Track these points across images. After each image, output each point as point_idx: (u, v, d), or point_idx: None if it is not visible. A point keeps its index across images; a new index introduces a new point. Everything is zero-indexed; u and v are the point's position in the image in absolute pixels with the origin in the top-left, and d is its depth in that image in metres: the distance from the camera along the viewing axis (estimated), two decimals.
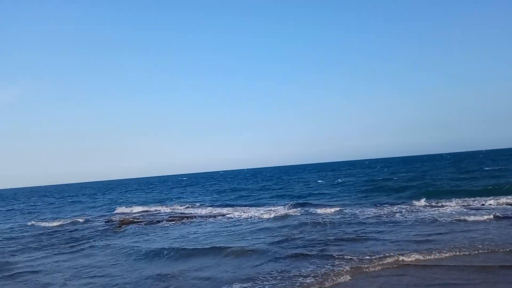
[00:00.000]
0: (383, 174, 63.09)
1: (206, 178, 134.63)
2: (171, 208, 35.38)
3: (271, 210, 26.77)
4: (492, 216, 17.25)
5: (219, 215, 26.12)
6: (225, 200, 39.68)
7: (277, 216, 23.11)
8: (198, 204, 37.12)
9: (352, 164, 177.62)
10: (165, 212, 31.81)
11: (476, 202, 23.15)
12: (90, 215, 33.91)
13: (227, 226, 21.18)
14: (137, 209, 35.91)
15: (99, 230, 23.58)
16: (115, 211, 36.11)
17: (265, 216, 23.57)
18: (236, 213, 26.42)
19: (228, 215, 25.62)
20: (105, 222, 27.38)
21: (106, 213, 35.35)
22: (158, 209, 35.14)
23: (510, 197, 24.04)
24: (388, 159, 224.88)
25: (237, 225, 21.28)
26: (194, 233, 19.73)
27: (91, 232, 22.95)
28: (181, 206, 36.43)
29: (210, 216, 26.06)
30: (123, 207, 38.03)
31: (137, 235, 20.58)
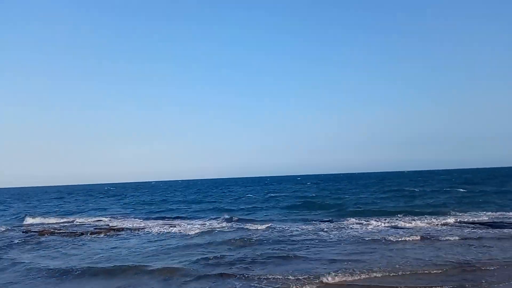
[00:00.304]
0: (313, 190, 64.84)
1: (135, 188, 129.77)
2: (96, 219, 33.34)
3: (200, 224, 26.23)
4: (418, 237, 17.95)
5: (147, 228, 25.00)
6: (154, 212, 38.25)
7: (205, 231, 22.60)
8: (125, 216, 35.35)
9: (284, 179, 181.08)
10: (89, 224, 29.87)
11: (401, 221, 24.31)
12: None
13: (154, 241, 20.24)
14: (53, 220, 33.41)
15: (13, 242, 21.37)
16: (26, 222, 33.12)
17: (194, 231, 22.91)
18: (164, 226, 25.52)
19: (155, 229, 24.58)
20: (22, 232, 25.09)
21: (18, 223, 32.36)
22: (81, 220, 32.91)
23: (435, 217, 25.69)
24: (319, 176, 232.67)
25: (163, 240, 20.42)
26: (117, 248, 18.58)
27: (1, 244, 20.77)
28: (107, 217, 34.45)
29: (137, 229, 24.86)
30: (39, 217, 35.11)
31: (53, 249, 18.93)
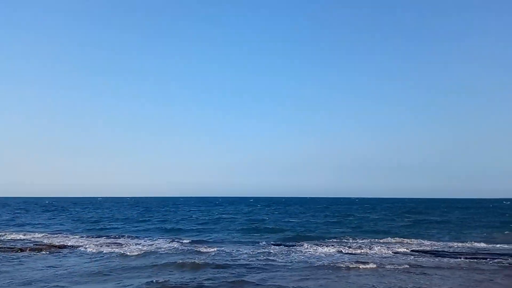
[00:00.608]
0: (263, 213, 64.86)
1: (79, 203, 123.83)
2: (33, 235, 31.17)
3: (146, 244, 25.26)
4: (366, 265, 18.05)
5: (89, 247, 23.65)
6: (98, 230, 36.40)
7: (151, 252, 21.78)
8: (65, 232, 33.37)
9: (236, 200, 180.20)
10: (28, 240, 27.89)
11: (349, 247, 24.65)
12: None
13: (95, 260, 19.16)
14: None
15: None
16: None
17: (139, 251, 21.97)
18: (109, 245, 24.34)
19: (98, 247, 23.33)
20: None
21: None
22: (18, 236, 30.62)
23: (380, 243, 26.31)
24: (271, 198, 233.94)
25: (105, 259, 19.37)
26: (54, 267, 17.39)
27: None
28: (45, 233, 32.32)
29: (78, 247, 23.51)
30: None
31: None
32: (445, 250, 23.96)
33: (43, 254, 21.31)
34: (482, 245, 26.79)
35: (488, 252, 23.15)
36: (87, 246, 24.22)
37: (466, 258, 20.60)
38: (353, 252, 22.75)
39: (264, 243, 26.98)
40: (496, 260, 19.70)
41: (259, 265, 17.93)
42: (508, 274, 16.66)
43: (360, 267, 17.71)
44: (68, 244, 24.79)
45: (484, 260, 19.75)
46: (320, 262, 18.79)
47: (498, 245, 26.70)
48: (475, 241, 28.66)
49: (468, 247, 25.52)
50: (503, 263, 18.93)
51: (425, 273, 16.51)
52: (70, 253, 21.73)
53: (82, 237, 30.21)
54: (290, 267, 17.51)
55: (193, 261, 18.49)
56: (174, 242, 26.27)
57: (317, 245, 25.47)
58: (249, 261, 19.12)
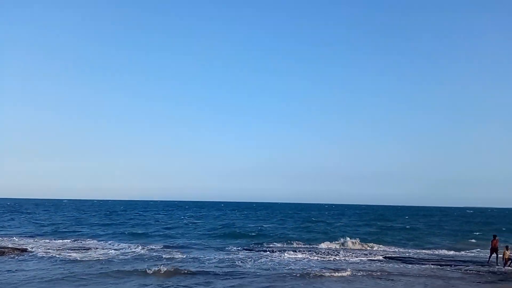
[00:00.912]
0: (233, 218, 64.41)
1: (45, 205, 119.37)
2: None
3: (112, 249, 24.42)
4: (339, 272, 18.08)
5: (50, 250, 22.56)
6: (60, 233, 34.91)
7: (116, 257, 21.02)
8: (25, 236, 31.85)
9: (205, 205, 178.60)
10: None
11: (316, 253, 24.65)
12: None
13: (53, 266, 18.24)
14: None
15: None
16: None
17: (104, 256, 21.16)
18: (68, 250, 23.32)
19: (58, 252, 22.26)
20: None
21: None
22: None
23: (348, 249, 26.44)
24: (240, 203, 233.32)
25: (68, 264, 18.46)
26: (11, 272, 16.46)
27: None
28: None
29: (36, 251, 22.37)
30: None
31: None
32: (412, 256, 24.35)
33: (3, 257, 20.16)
34: (446, 252, 27.42)
35: (452, 259, 23.68)
36: (49, 249, 23.17)
37: (432, 264, 20.98)
38: (321, 258, 22.74)
39: (233, 248, 26.62)
40: (459, 267, 20.15)
41: (227, 271, 17.56)
42: (471, 281, 17.02)
43: (327, 273, 17.61)
44: (28, 249, 23.60)
45: (448, 267, 20.14)
46: (289, 268, 18.66)
47: (461, 252, 27.41)
48: (440, 248, 29.34)
49: (433, 254, 26.04)
50: (466, 270, 19.35)
51: (391, 279, 16.65)
52: (31, 257, 20.65)
53: (44, 241, 28.89)
54: (258, 274, 17.23)
55: (159, 268, 17.76)
56: (140, 247, 25.41)
57: (285, 250, 25.35)
58: (218, 267, 18.74)
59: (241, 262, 20.46)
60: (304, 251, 25.54)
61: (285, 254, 23.53)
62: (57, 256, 21.16)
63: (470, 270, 19.39)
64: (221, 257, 21.89)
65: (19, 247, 23.76)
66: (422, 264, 21.24)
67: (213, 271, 17.59)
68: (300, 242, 30.84)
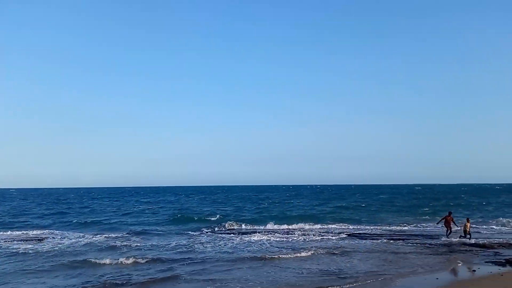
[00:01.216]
0: (192, 202, 64.05)
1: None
2: None
3: (62, 238, 23.43)
4: (297, 251, 18.45)
5: (2, 242, 21.30)
6: (7, 223, 33.14)
7: (66, 248, 20.21)
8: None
9: (161, 190, 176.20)
10: None
11: (276, 234, 24.96)
12: None
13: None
14: None
15: None
16: None
17: (52, 248, 20.26)
18: (19, 241, 22.10)
19: (9, 243, 21.08)
20: None
21: None
22: None
23: (307, 228, 26.98)
24: (200, 187, 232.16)
25: (16, 256, 17.54)
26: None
27: None
28: None
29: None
30: None
31: None
32: (367, 232, 25.31)
33: None
34: (398, 227, 28.71)
35: (404, 233, 24.86)
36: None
37: (385, 239, 21.94)
38: (279, 239, 23.02)
39: (192, 233, 26.45)
40: (409, 241, 21.22)
41: (187, 257, 17.30)
42: (420, 252, 18.01)
43: (286, 253, 17.90)
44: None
45: (400, 241, 21.14)
46: (248, 250, 18.84)
47: (412, 227, 28.87)
48: (392, 224, 30.71)
49: (387, 230, 27.19)
50: (416, 244, 20.40)
51: (347, 255, 17.22)
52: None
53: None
54: (219, 257, 17.19)
55: (116, 257, 17.26)
56: (96, 236, 24.58)
57: (245, 233, 25.53)
58: (178, 253, 18.52)
59: (202, 246, 20.35)
60: (263, 232, 25.84)
61: (245, 236, 23.68)
62: (6, 248, 20.06)
63: (420, 243, 20.49)
64: (180, 243, 21.61)
65: None
66: (377, 239, 22.16)
67: (172, 258, 17.31)
68: (259, 224, 31.21)
